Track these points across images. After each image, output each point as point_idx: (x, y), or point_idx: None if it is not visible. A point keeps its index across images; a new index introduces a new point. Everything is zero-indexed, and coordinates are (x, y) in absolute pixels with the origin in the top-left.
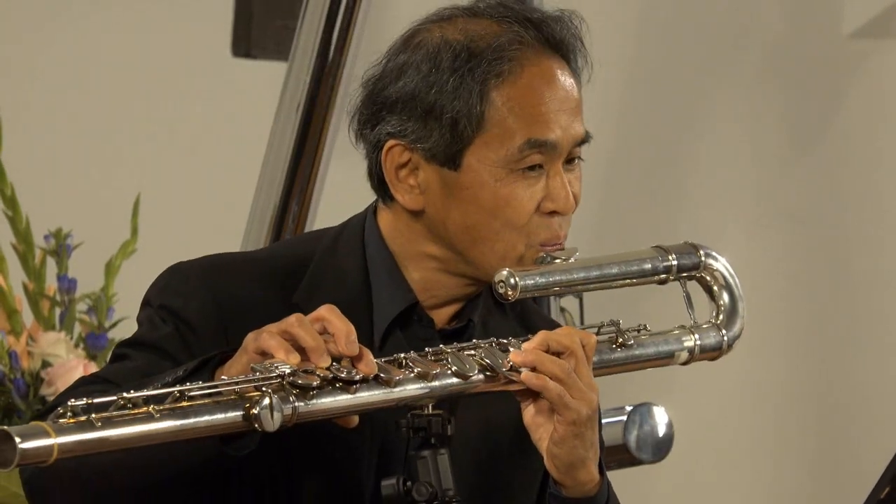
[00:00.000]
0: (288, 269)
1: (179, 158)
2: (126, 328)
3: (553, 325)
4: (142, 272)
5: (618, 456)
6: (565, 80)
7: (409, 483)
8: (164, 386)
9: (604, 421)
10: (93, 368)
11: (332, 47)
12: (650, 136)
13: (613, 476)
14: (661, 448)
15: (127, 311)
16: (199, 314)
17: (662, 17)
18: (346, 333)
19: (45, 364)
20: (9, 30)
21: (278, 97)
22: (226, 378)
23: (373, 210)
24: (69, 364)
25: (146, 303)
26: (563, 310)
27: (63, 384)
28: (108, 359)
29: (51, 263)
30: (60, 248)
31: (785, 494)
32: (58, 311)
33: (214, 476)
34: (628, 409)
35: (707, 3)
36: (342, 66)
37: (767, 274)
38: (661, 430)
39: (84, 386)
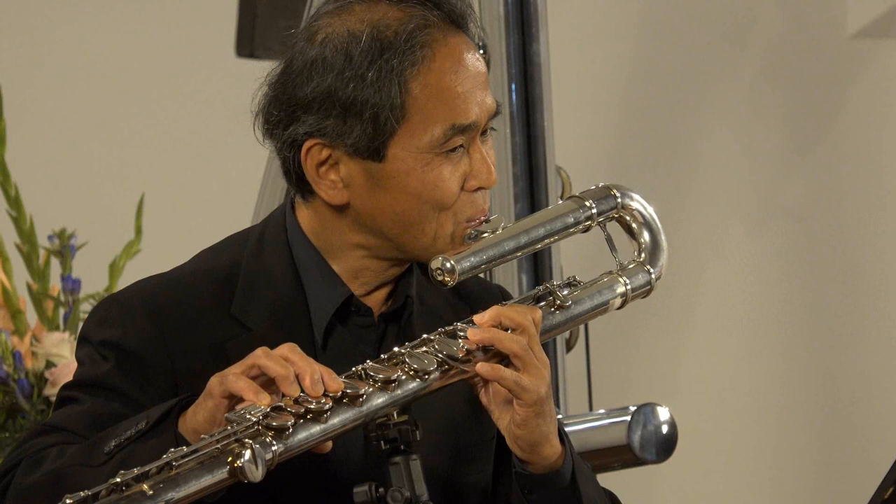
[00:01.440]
0: (219, 279)
1: (183, 159)
2: None
3: (486, 287)
4: (145, 272)
5: (621, 456)
6: (472, 55)
7: (380, 489)
8: (127, 441)
9: (608, 421)
10: None
11: None
12: (652, 136)
13: (616, 476)
14: (664, 448)
15: None
16: (141, 341)
17: (664, 17)
18: (310, 373)
19: (49, 364)
20: (11, 30)
21: None
22: (206, 437)
23: (290, 206)
24: (73, 364)
25: (85, 340)
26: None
27: None
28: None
29: (55, 264)
30: (64, 248)
31: (788, 494)
32: (62, 311)
33: None
34: (632, 409)
35: (710, 3)
36: None
37: (769, 272)
38: (665, 431)
39: (36, 437)
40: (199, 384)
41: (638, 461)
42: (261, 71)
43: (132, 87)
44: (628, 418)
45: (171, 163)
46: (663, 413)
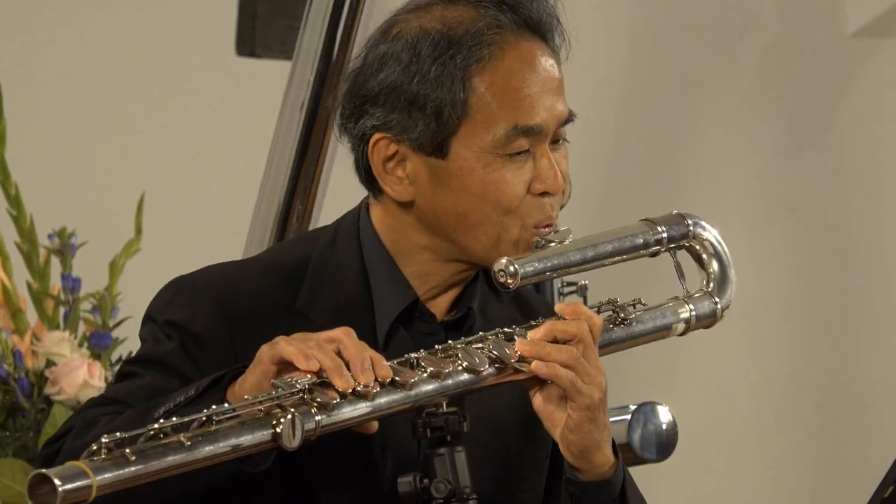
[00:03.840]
0: (288, 272)
1: (183, 158)
2: (130, 328)
3: (549, 308)
4: (146, 271)
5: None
6: (546, 60)
7: (425, 480)
8: (176, 406)
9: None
10: (97, 368)
11: (336, 47)
12: (652, 133)
13: None
14: (665, 447)
15: (131, 310)
16: (206, 326)
17: (664, 15)
18: (361, 360)
19: (50, 363)
20: (11, 30)
21: (282, 96)
22: (249, 398)
23: (365, 206)
24: (73, 363)
25: (150, 318)
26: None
27: (67, 383)
28: (111, 367)
29: (55, 262)
30: (64, 247)
31: (788, 494)
32: (62, 310)
33: (229, 494)
34: (632, 408)
35: (709, 1)
36: (345, 65)
37: (770, 269)
38: (665, 429)
39: (94, 408)
40: None
41: (638, 460)
42: (261, 71)
43: (132, 87)
44: (628, 417)
45: (171, 162)
46: (663, 412)
